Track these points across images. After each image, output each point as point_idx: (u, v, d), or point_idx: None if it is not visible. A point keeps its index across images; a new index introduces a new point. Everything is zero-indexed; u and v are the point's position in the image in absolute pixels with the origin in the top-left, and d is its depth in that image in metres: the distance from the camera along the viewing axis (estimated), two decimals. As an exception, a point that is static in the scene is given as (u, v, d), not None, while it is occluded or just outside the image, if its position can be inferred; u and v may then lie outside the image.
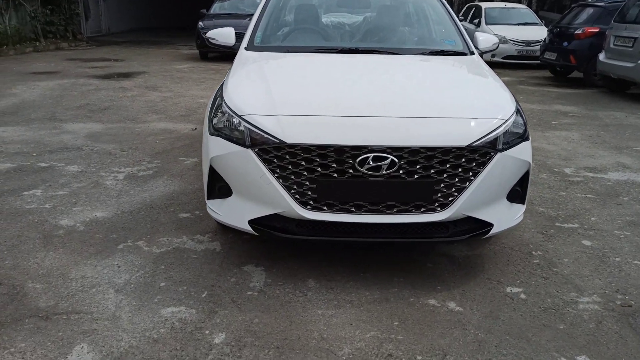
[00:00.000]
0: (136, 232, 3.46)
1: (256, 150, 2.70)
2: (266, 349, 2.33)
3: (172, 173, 4.65)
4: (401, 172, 2.65)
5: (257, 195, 2.78)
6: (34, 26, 15.24)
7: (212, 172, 2.91)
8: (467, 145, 2.66)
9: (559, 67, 11.48)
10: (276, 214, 2.77)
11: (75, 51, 14.84)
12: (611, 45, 9.27)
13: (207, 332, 2.44)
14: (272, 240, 3.34)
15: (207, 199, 3.01)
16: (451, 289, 2.86)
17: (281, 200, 2.71)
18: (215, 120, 2.95)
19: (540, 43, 12.09)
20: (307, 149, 2.64)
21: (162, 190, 4.24)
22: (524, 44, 12.82)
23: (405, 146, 2.63)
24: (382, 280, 2.94)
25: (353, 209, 2.71)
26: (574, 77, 11.50)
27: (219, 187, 2.92)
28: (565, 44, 10.64)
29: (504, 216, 2.92)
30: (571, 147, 5.92)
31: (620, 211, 4.04)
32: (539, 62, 12.18)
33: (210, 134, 2.94)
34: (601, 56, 9.53)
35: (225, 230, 3.48)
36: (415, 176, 2.66)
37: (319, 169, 2.65)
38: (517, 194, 2.95)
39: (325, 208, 2.72)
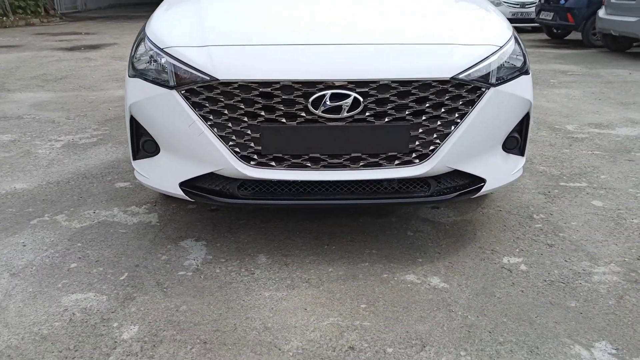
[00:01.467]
0: (58, 204, 2.88)
1: (182, 91, 2.11)
2: (189, 344, 1.77)
3: (118, 140, 4.05)
4: (367, 114, 2.07)
5: (188, 151, 2.19)
6: (1, 1, 14.39)
7: (134, 123, 2.32)
8: (452, 78, 2.08)
9: (555, 27, 10.85)
10: (212, 173, 2.20)
11: (46, 27, 14.04)
12: (612, 0, 8.63)
13: (115, 324, 1.87)
14: (222, 209, 2.77)
15: (133, 159, 2.42)
16: (435, 262, 2.30)
17: (217, 155, 2.13)
18: (135, 59, 2.35)
19: (535, 4, 11.42)
20: (246, 86, 2.05)
21: (102, 158, 3.64)
22: (518, 6, 12.13)
23: (371, 79, 2.04)
24: (350, 253, 2.37)
25: (308, 164, 2.14)
26: (572, 39, 10.88)
27: (143, 143, 2.33)
28: (562, 2, 9.98)
29: (499, 170, 2.35)
30: (572, 104, 5.34)
31: (633, 168, 3.48)
32: (534, 24, 11.54)
33: (129, 77, 2.34)
34: (601, 12, 8.89)
35: (168, 200, 2.90)
36: (386, 119, 2.09)
37: (263, 113, 2.07)
38: (515, 142, 2.38)
39: (273, 164, 2.14)
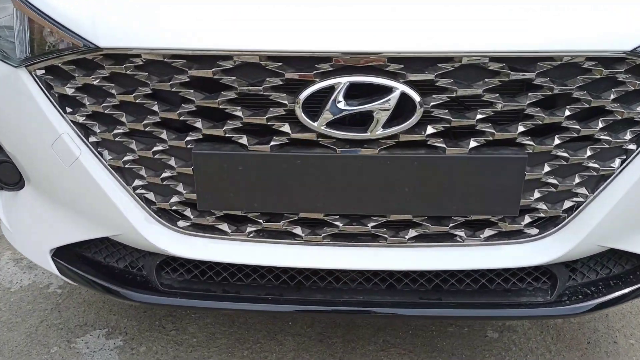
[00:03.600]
0: None
1: (39, 72, 0.99)
2: None
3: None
4: (430, 131, 0.91)
5: (61, 190, 1.09)
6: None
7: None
8: (631, 52, 0.89)
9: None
10: (107, 239, 1.10)
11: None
12: None
13: None
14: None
15: (-10, 192, 1.33)
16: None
17: (109, 207, 1.02)
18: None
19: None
20: (162, 64, 0.93)
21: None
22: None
23: (441, 54, 0.88)
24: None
25: (298, 232, 1.00)
26: None
27: (-2, 166, 1.24)
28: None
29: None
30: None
31: None
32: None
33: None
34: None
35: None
36: (472, 143, 0.92)
37: (199, 124, 0.94)
38: None
39: (223, 228, 1.02)
